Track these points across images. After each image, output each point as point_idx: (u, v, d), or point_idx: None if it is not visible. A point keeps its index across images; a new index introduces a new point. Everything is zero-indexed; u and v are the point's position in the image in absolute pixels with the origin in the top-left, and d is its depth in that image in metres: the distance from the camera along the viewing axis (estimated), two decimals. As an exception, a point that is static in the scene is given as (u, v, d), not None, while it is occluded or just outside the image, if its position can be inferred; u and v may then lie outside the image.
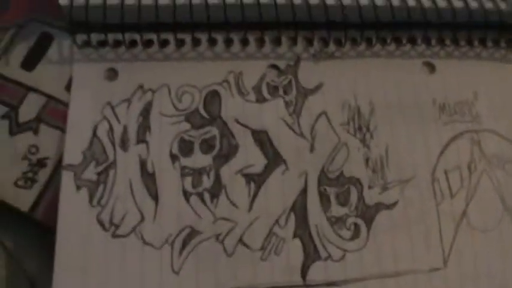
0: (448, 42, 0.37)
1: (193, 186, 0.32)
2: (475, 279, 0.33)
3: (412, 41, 0.37)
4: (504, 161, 0.35)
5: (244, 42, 0.36)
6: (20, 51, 0.36)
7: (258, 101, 0.35)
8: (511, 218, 0.34)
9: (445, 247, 0.33)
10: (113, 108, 0.33)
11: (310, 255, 0.32)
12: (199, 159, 0.33)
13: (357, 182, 0.34)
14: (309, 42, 0.36)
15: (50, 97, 0.35)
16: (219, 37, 0.35)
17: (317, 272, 0.32)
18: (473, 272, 0.33)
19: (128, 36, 0.34)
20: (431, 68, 0.37)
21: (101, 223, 0.31)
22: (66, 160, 0.32)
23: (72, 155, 0.32)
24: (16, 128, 0.34)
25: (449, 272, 0.33)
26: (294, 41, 0.36)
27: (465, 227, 0.34)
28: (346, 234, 0.33)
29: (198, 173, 0.33)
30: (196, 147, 0.33)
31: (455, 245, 0.33)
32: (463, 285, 0.33)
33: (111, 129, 0.33)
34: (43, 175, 0.33)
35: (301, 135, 0.34)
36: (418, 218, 0.33)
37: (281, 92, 0.35)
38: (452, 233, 0.34)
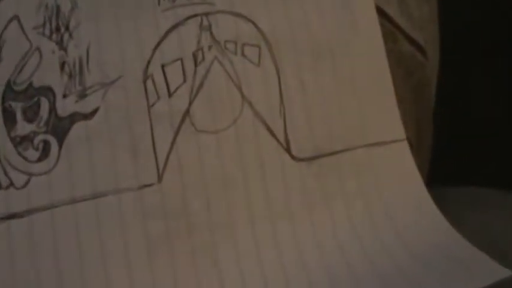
0: None
1: None
2: (202, 188, 0.26)
3: None
4: (242, 44, 0.28)
5: None
6: None
7: None
8: (251, 109, 0.27)
9: (159, 157, 0.26)
10: None
11: (-9, 184, 0.26)
12: None
13: (48, 91, 0.27)
14: None
15: None
16: None
17: (-3, 204, 0.26)
18: (199, 182, 0.26)
19: None
20: None
21: None
22: None
23: None
24: None
25: (165, 186, 0.26)
26: None
27: (188, 130, 0.27)
28: (33, 155, 0.27)
29: None
30: None
31: (173, 153, 0.27)
32: (185, 197, 0.26)
33: None
34: None
35: (-11, 47, 0.28)
36: (124, 127, 0.27)
37: (-30, 2, 0.29)
38: (169, 140, 0.27)
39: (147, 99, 0.28)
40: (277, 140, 0.28)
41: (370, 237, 0.28)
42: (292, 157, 0.28)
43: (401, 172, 0.30)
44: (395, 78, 0.31)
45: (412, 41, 0.32)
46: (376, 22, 0.31)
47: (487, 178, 0.37)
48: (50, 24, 0.29)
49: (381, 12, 0.31)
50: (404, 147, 0.30)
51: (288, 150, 0.28)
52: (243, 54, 0.29)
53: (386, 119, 0.30)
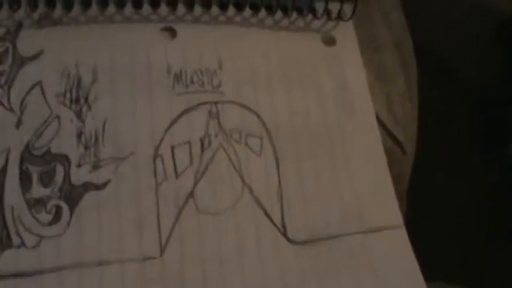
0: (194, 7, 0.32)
1: None
2: (200, 264, 0.29)
3: (154, 4, 0.32)
4: (246, 134, 0.31)
5: None
6: None
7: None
8: (250, 195, 0.30)
9: (162, 233, 0.29)
10: None
11: (2, 242, 0.28)
12: None
13: (64, 159, 0.30)
14: (34, 6, 0.32)
15: None
16: None
17: (8, 262, 0.28)
18: (198, 258, 0.29)
19: None
20: (172, 33, 0.32)
21: None
22: None
23: None
24: None
25: (166, 260, 0.29)
26: (18, 5, 0.31)
27: (191, 210, 0.30)
28: (46, 218, 0.29)
29: None
30: None
31: (175, 231, 0.30)
32: (183, 272, 0.29)
33: None
34: None
35: (10, 109, 0.30)
36: (132, 201, 0.29)
37: (-7, 62, 0.31)
38: (173, 218, 0.30)
39: (156, 177, 0.31)
40: (274, 224, 0.31)
41: None
42: (288, 240, 0.31)
43: (397, 258, 0.33)
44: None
45: (394, 138, 0.36)
46: (372, 109, 0.34)
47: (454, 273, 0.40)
48: (71, 94, 0.31)
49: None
50: (402, 233, 0.33)
51: (284, 234, 0.31)
52: (246, 144, 0.32)
53: (383, 204, 0.33)
